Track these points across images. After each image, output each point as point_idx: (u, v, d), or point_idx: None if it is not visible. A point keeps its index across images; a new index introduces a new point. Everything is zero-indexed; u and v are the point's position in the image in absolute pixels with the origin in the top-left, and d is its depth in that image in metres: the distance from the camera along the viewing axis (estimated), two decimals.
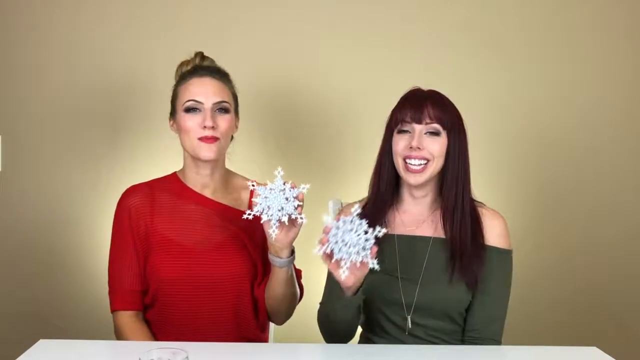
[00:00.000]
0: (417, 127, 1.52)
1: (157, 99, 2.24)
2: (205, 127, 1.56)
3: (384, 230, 1.30)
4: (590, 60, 2.35)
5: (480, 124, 2.27)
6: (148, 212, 1.62)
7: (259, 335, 1.68)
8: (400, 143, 1.53)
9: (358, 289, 1.42)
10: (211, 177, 1.65)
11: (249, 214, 1.38)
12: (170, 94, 1.69)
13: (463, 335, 1.56)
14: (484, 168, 2.21)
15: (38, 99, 2.27)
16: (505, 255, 1.56)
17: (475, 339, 1.54)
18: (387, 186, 1.60)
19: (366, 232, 1.30)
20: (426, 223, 1.59)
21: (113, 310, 1.61)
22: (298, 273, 1.71)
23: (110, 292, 1.62)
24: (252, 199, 1.39)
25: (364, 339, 1.64)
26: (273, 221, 1.38)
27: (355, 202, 1.68)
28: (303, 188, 1.39)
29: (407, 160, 1.52)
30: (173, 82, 1.69)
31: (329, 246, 1.30)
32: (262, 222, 1.39)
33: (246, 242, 1.62)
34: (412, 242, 1.57)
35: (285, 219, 1.37)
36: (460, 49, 2.31)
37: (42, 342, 1.40)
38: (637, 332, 2.40)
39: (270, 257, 1.52)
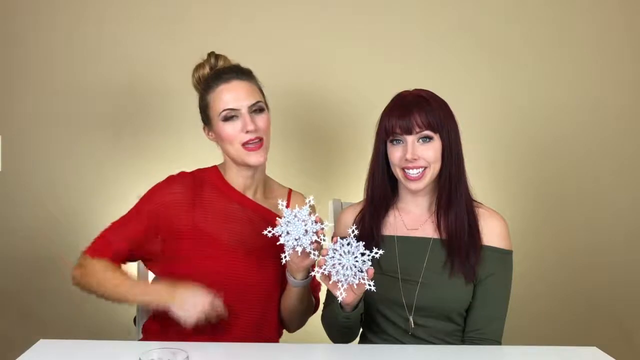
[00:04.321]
0: (409, 138, 1.51)
1: (158, 99, 2.25)
2: (247, 131, 1.55)
3: (380, 252, 1.32)
4: (588, 61, 2.35)
5: (478, 125, 2.28)
6: (189, 204, 1.59)
7: (276, 340, 1.70)
8: (395, 154, 1.53)
9: (358, 304, 1.44)
10: (252, 178, 1.64)
11: (269, 232, 1.39)
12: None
13: (463, 335, 1.56)
14: (481, 169, 2.22)
15: (38, 99, 2.27)
16: (504, 255, 1.56)
17: (476, 339, 1.53)
18: (380, 191, 1.60)
19: (362, 254, 1.32)
20: (427, 224, 1.59)
21: (86, 253, 1.56)
22: (317, 286, 1.72)
23: (97, 238, 1.58)
24: (277, 219, 1.40)
25: (363, 339, 1.64)
26: (287, 248, 1.38)
27: (353, 204, 1.69)
28: (326, 225, 1.39)
29: (406, 170, 1.52)
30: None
31: (327, 269, 1.33)
32: (277, 243, 1.39)
33: (282, 250, 1.61)
34: (412, 243, 1.57)
35: (299, 249, 1.38)
36: (460, 51, 2.31)
37: (42, 342, 1.39)
38: (637, 333, 2.40)
39: (287, 273, 1.54)
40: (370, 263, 1.32)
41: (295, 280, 1.52)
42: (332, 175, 2.33)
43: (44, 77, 2.27)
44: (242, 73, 1.62)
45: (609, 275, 2.38)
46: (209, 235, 1.58)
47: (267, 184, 1.70)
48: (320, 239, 1.40)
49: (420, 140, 1.51)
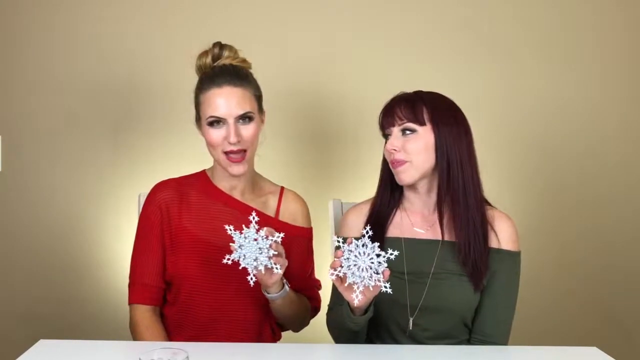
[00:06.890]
0: (393, 130, 1.53)
1: (158, 99, 2.25)
2: (230, 142, 1.52)
3: (395, 253, 1.30)
4: (591, 59, 2.35)
5: (481, 123, 2.27)
6: (176, 208, 1.60)
7: (271, 341, 1.69)
8: (385, 148, 1.55)
9: (367, 308, 1.42)
10: (239, 179, 1.63)
11: (228, 259, 1.36)
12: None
13: (469, 337, 1.55)
14: (483, 167, 2.20)
15: (38, 99, 2.27)
16: (514, 257, 1.55)
17: (482, 342, 1.53)
18: (385, 191, 1.61)
19: (378, 255, 1.29)
20: (436, 225, 1.57)
21: (131, 303, 1.60)
22: (316, 284, 1.71)
23: (130, 285, 1.60)
24: (230, 244, 1.36)
25: (367, 339, 1.64)
26: (250, 269, 1.36)
27: (357, 204, 1.68)
28: (278, 237, 1.36)
29: (392, 164, 1.54)
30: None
31: (342, 270, 1.30)
32: (240, 267, 1.36)
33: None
34: (420, 245, 1.56)
35: (261, 268, 1.36)
36: (462, 50, 2.31)
37: (42, 342, 1.39)
38: (637, 332, 2.40)
39: (262, 289, 1.50)
40: (386, 264, 1.30)
41: (270, 294, 1.49)
42: (332, 176, 2.33)
43: (44, 76, 2.27)
44: (237, 78, 1.55)
45: (609, 275, 2.38)
46: (195, 236, 1.58)
47: (256, 183, 1.68)
48: (279, 252, 1.37)
49: (404, 134, 1.52)
